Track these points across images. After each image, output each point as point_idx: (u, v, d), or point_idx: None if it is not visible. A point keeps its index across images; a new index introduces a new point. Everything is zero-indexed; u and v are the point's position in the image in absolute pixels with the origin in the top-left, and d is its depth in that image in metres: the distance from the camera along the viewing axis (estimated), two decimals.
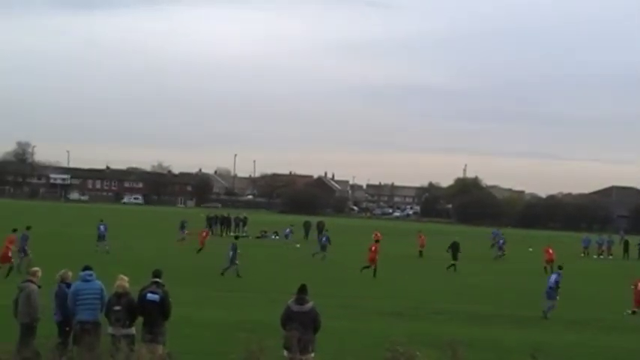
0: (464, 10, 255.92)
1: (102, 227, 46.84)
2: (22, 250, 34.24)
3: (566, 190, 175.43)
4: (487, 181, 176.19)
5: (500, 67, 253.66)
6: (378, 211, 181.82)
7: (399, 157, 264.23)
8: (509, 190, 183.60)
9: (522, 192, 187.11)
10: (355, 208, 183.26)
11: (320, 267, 43.45)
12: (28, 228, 35.62)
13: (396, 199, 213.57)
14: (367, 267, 40.10)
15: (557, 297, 28.24)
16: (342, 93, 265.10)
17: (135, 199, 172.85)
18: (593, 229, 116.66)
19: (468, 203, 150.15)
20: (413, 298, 31.91)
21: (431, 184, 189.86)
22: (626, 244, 66.95)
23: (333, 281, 36.43)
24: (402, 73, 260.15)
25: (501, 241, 59.79)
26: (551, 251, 49.10)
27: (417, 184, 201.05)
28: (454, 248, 46.08)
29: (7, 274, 31.78)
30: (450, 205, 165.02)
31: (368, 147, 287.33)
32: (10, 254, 32.95)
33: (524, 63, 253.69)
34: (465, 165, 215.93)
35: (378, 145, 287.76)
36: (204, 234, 52.05)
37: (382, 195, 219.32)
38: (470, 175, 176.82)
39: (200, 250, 48.14)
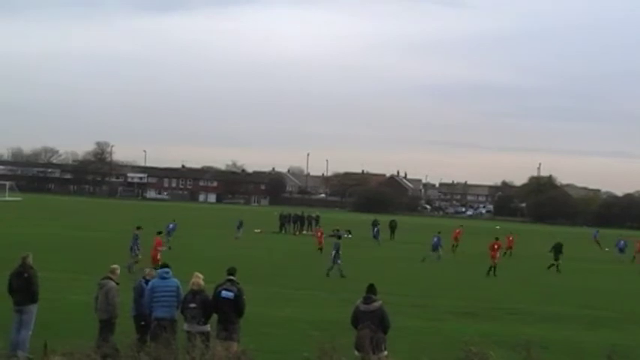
0: (533, 7, 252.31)
1: (171, 225, 48.42)
2: (132, 250, 34.85)
3: None
4: (561, 179, 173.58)
5: (573, 65, 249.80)
6: (450, 210, 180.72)
7: (471, 156, 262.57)
8: (585, 188, 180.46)
9: (598, 191, 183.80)
10: (428, 206, 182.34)
11: (392, 266, 43.38)
12: (139, 228, 36.02)
13: (469, 197, 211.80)
14: (493, 267, 40.63)
15: None
16: (415, 92, 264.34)
17: (157, 193, 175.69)
18: None
19: (543, 202, 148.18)
20: (488, 298, 31.62)
21: (504, 183, 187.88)
22: None
23: (406, 280, 36.35)
24: (475, 72, 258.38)
25: (622, 243, 58.70)
26: None
27: (490, 182, 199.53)
28: (557, 249, 45.67)
29: None
30: (523, 204, 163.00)
31: (441, 146, 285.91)
32: (159, 256, 33.48)
33: (600, 60, 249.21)
34: (539, 164, 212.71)
35: (451, 144, 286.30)
36: (319, 233, 52.29)
37: (455, 194, 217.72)
38: (544, 173, 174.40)
39: (320, 249, 48.19)
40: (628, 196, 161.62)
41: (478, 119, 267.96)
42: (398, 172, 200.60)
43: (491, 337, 18.94)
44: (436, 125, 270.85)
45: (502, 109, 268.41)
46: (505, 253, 52.30)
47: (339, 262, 36.75)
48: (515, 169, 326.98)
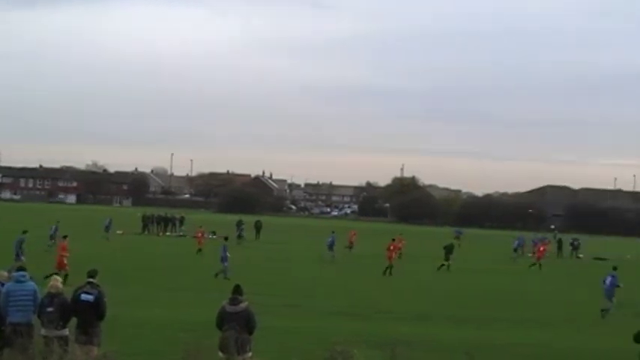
0: (400, 11, 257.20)
1: (53, 227, 47.84)
2: (17, 255, 33.48)
3: (502, 190, 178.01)
4: (424, 180, 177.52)
5: (437, 67, 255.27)
6: (316, 210, 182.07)
7: (337, 157, 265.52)
8: (447, 189, 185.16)
9: (459, 191, 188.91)
10: (293, 207, 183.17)
11: (259, 266, 43.20)
12: (24, 232, 34.89)
13: (334, 198, 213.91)
14: (389, 267, 41.54)
15: (614, 298, 29.23)
16: (281, 92, 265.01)
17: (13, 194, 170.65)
18: (528, 227, 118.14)
19: (406, 202, 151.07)
20: (358, 297, 31.80)
21: (368, 184, 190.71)
22: (560, 242, 68.03)
23: (275, 280, 36.20)
24: (341, 73, 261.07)
25: (517, 242, 63.23)
26: (542, 249, 52.79)
27: (356, 183, 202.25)
28: (448, 250, 46.68)
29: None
30: (387, 205, 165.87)
31: (306, 146, 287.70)
32: (65, 261, 32.13)
33: (465, 63, 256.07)
34: (403, 165, 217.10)
35: (317, 145, 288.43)
36: (200, 234, 51.69)
37: (320, 194, 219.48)
38: (407, 174, 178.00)
39: (200, 250, 48.07)
40: (487, 197, 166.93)
41: (344, 120, 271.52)
42: (263, 173, 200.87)
43: (361, 337, 18.94)
44: (302, 125, 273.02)
45: (367, 110, 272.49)
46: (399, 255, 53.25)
47: (226, 264, 36.23)
48: (379, 170, 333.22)
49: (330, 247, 49.30)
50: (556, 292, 38.34)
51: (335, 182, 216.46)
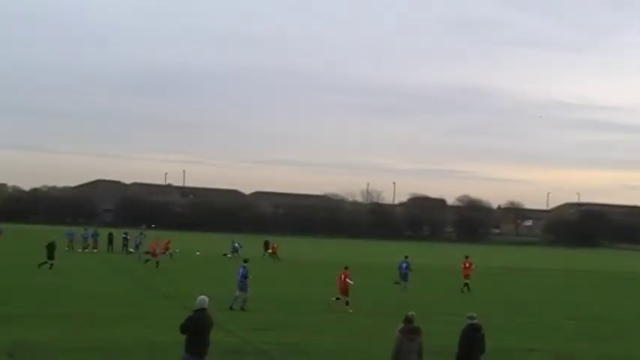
0: None
1: None
2: None
3: (51, 184, 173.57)
4: None
5: None
6: None
7: None
8: None
9: (4, 185, 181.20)
10: None
11: None
12: None
13: None
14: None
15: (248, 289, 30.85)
16: None
17: None
18: (79, 222, 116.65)
19: None
20: None
21: None
22: (110, 236, 67.73)
23: None
24: None
25: (236, 245, 68.66)
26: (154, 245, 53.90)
27: None
28: (51, 248, 45.63)
29: None
30: None
31: None
32: None
33: (10, 52, 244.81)
34: None
35: None
36: None
37: None
38: None
39: None
40: (35, 191, 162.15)
41: None
42: None
43: None
44: None
45: None
46: None
47: None
48: None
49: None
50: (107, 289, 37.67)
51: None
